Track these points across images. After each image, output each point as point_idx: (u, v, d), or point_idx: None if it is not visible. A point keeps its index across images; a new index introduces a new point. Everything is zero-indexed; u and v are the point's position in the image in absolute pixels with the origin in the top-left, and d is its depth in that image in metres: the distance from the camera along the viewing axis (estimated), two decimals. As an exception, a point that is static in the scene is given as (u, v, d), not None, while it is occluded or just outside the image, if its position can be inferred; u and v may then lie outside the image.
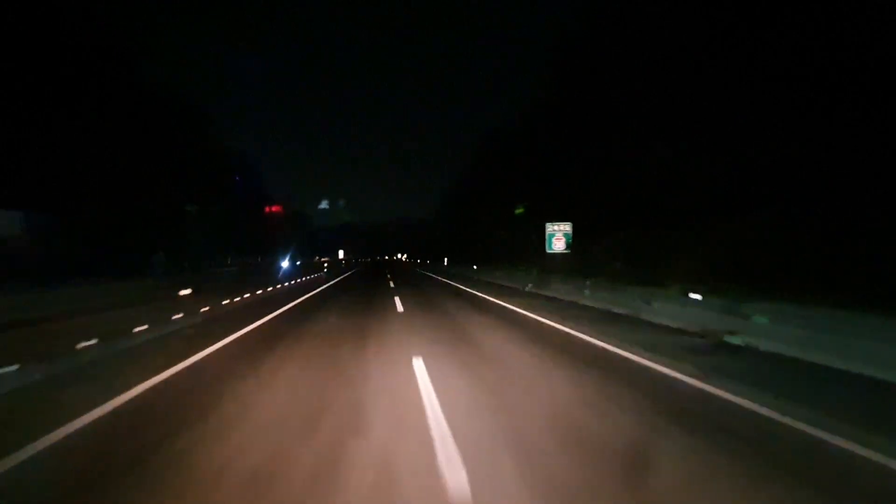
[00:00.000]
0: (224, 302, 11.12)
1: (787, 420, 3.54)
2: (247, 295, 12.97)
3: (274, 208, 56.76)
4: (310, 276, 25.32)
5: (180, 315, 8.62)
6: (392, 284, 20.03)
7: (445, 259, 46.55)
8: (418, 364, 5.23)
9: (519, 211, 27.02)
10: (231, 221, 38.12)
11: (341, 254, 55.97)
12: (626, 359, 5.67)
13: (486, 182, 37.06)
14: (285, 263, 27.55)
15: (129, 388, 4.41)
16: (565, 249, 15.52)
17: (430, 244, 61.36)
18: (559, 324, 8.42)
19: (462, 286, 18.41)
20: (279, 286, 16.87)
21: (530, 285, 16.93)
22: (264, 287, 15.41)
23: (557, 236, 15.60)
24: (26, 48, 17.37)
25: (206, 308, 9.93)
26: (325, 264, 29.69)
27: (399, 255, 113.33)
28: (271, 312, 10.08)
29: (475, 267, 29.00)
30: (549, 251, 15.73)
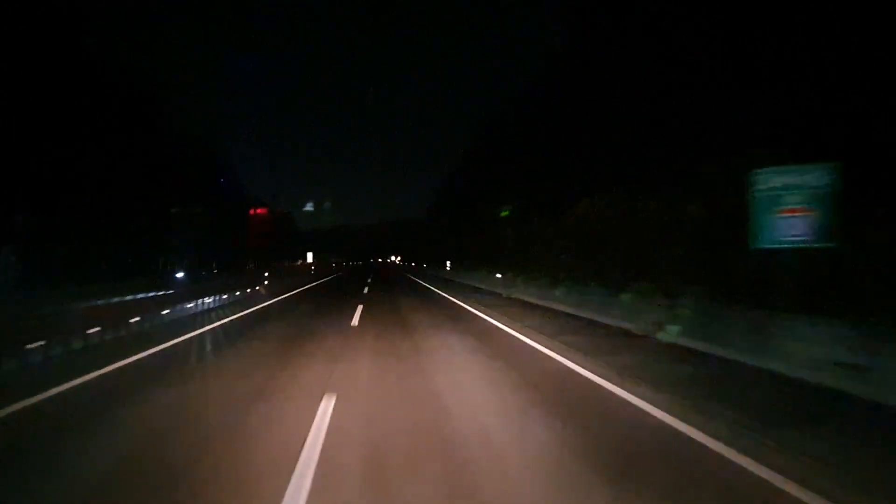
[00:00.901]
0: None
1: None
2: None
3: (259, 210, 52.76)
4: (225, 295, 14.83)
5: None
6: (355, 321, 10.02)
7: (448, 263, 35.82)
8: None
9: (504, 213, 22.88)
10: (230, 223, 34.65)
11: (310, 257, 45.55)
12: None
13: (493, 173, 27.92)
14: (179, 275, 17.30)
15: None
16: (812, 239, 5.49)
17: (430, 245, 51.25)
18: None
19: (497, 321, 8.46)
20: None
21: (675, 328, 7.22)
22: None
23: (791, 204, 5.53)
24: (20, 47, 16.50)
25: None
26: (266, 275, 18.98)
27: (393, 258, 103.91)
28: None
29: (498, 276, 18.87)
30: (761, 244, 5.71)
